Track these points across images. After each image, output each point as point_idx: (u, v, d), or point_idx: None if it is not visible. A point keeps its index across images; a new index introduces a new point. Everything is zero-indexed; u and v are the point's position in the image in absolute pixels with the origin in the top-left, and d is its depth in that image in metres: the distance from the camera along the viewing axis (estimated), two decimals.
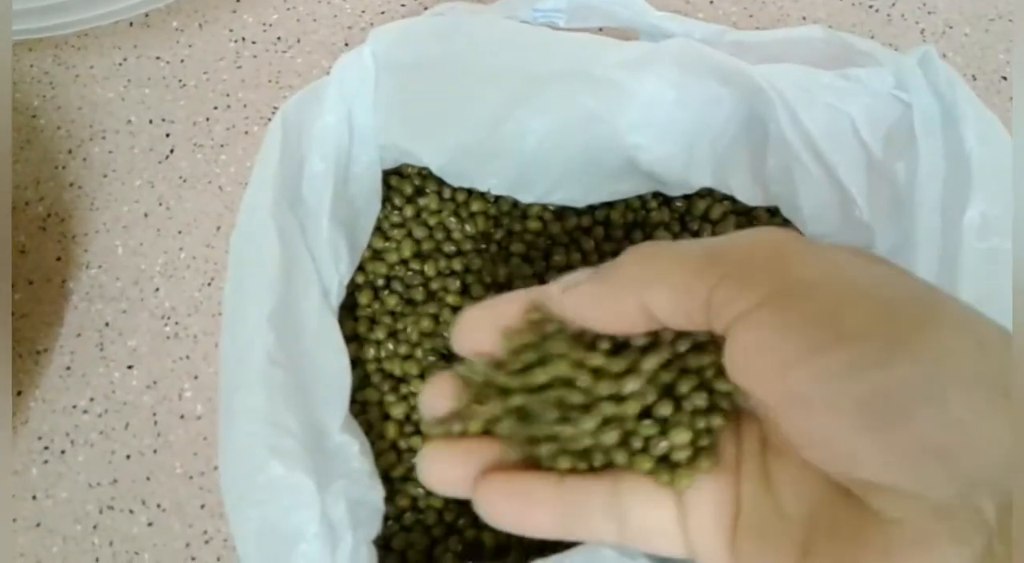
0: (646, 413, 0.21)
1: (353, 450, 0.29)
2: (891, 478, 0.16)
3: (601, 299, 0.21)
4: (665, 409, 0.21)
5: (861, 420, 0.16)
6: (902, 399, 0.16)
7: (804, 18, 0.45)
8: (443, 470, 0.23)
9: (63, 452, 0.37)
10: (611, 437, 0.21)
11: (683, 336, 0.21)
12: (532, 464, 0.22)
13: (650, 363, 0.21)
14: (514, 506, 0.22)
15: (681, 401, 0.21)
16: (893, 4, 0.46)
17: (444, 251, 0.36)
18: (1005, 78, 0.43)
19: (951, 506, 0.15)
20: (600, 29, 0.36)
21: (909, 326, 0.16)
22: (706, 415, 0.21)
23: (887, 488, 0.16)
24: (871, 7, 0.46)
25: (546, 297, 0.23)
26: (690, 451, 0.21)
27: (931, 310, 0.17)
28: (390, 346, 0.35)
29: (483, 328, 0.23)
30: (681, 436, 0.21)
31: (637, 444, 0.21)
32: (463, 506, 0.34)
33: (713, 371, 0.21)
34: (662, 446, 0.21)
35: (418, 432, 0.34)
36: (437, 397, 0.24)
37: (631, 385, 0.21)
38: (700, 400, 0.21)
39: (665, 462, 0.21)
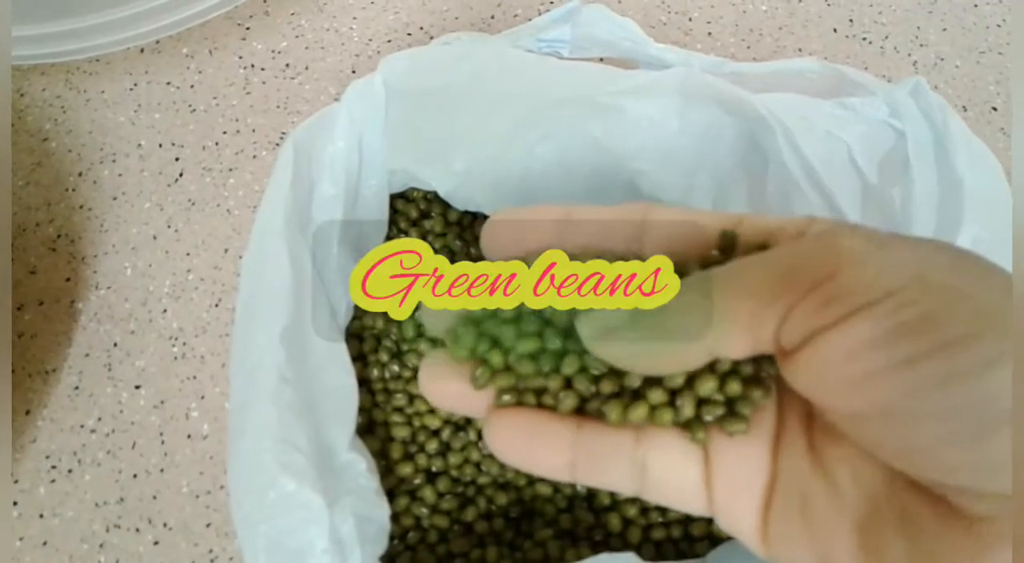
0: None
1: (361, 468, 0.30)
2: (983, 485, 0.15)
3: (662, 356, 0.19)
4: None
5: (955, 431, 0.15)
6: (1001, 407, 0.15)
7: (800, 50, 0.46)
8: (445, 382, 0.22)
9: (70, 471, 0.38)
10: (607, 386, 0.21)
11: None
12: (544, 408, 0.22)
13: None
14: (528, 444, 0.21)
15: (724, 378, 0.20)
16: (886, 37, 0.47)
17: None
18: (996, 109, 0.45)
19: None
20: (601, 59, 0.37)
21: (1005, 331, 0.15)
22: (748, 387, 0.20)
23: (976, 492, 0.15)
24: (865, 39, 0.47)
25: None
26: (722, 410, 0.20)
27: None
28: (395, 367, 0.36)
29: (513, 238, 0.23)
30: (707, 386, 0.20)
31: (640, 412, 0.20)
32: (467, 527, 0.34)
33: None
34: (688, 400, 0.20)
35: (423, 450, 0.35)
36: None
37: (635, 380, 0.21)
38: (748, 367, 0.20)
39: (696, 419, 0.20)
